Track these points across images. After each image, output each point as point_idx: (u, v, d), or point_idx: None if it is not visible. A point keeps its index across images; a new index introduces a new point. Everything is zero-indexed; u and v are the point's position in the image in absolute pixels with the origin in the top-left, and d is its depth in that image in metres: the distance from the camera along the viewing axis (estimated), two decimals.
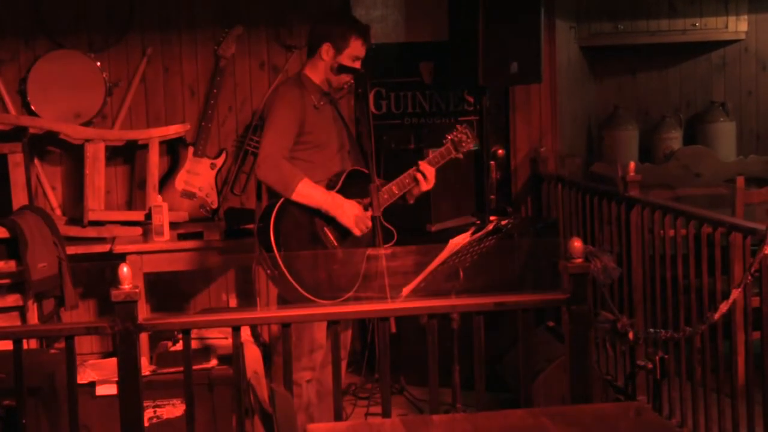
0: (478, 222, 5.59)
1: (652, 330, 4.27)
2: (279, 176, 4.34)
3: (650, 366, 4.67)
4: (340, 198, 4.41)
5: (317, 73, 4.54)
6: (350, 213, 4.41)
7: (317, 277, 4.36)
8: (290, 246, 4.32)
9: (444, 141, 4.65)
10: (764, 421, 4.21)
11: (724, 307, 4.02)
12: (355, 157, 4.67)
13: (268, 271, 4.35)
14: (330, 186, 4.48)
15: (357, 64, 4.53)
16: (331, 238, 4.42)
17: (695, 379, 4.55)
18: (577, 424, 2.93)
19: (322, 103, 4.52)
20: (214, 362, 5.16)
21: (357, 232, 4.43)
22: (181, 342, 3.99)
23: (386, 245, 4.45)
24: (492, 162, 5.92)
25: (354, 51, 4.50)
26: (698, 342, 4.47)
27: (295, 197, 4.33)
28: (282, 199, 4.37)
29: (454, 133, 4.65)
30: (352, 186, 4.50)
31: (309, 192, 4.35)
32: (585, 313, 3.64)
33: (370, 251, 4.38)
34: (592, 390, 3.72)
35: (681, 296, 4.62)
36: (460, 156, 4.70)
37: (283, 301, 4.52)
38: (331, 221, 4.43)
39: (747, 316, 4.22)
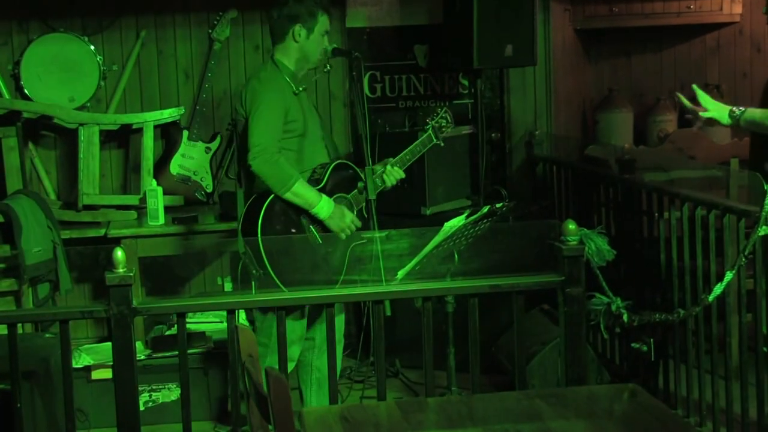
0: (473, 205, 5.60)
1: (646, 312, 4.28)
2: (276, 172, 4.27)
3: (644, 348, 4.69)
4: (330, 203, 4.38)
5: (290, 58, 4.50)
6: (339, 218, 4.39)
7: (302, 277, 4.31)
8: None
9: (425, 128, 4.66)
10: (758, 402, 4.23)
11: (718, 290, 4.04)
12: (329, 145, 4.65)
13: (254, 271, 4.32)
14: (315, 179, 4.44)
15: (326, 39, 4.52)
16: (316, 235, 4.38)
17: (689, 361, 4.56)
18: (572, 406, 2.94)
19: (300, 89, 4.50)
20: (209, 346, 5.17)
21: (342, 236, 4.41)
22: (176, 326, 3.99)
23: (360, 242, 4.43)
24: (487, 144, 5.91)
25: (323, 26, 4.50)
26: (693, 324, 4.49)
27: (288, 196, 4.29)
28: (269, 199, 4.31)
29: (435, 119, 4.65)
30: (338, 179, 4.48)
31: (302, 193, 4.31)
32: (580, 295, 3.65)
33: (363, 236, 4.38)
34: (587, 372, 3.74)
35: (675, 278, 4.63)
36: (441, 143, 4.71)
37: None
38: (314, 221, 4.39)
39: (741, 298, 4.23)
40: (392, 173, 4.55)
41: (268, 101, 4.35)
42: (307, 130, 4.48)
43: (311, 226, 4.37)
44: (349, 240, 4.42)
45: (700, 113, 4.37)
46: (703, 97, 4.44)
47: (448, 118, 4.68)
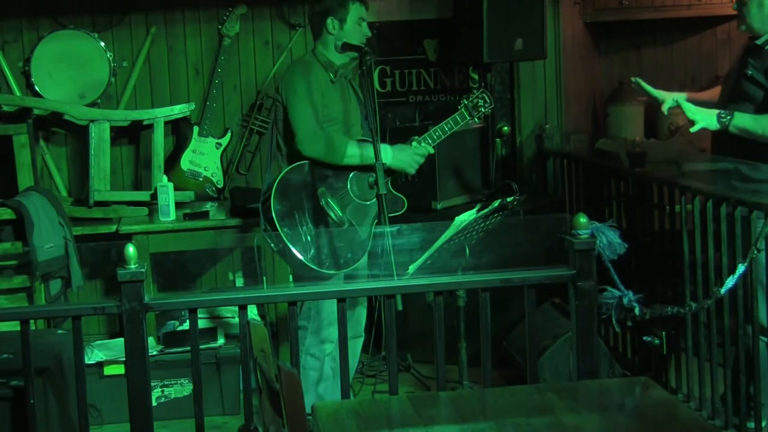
0: (484, 199, 5.60)
1: (658, 305, 4.27)
2: (326, 147, 4.46)
3: (656, 341, 4.68)
4: (386, 147, 4.55)
5: (329, 49, 4.64)
6: (402, 156, 4.56)
7: (323, 249, 4.40)
8: (293, 220, 4.36)
9: (458, 106, 4.69)
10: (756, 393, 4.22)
11: (730, 282, 4.03)
12: (367, 135, 4.71)
13: (272, 245, 4.41)
14: None
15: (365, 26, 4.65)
16: (335, 208, 4.46)
17: (701, 354, 4.55)
18: (584, 400, 2.94)
19: (339, 76, 4.62)
20: (221, 341, 5.18)
21: (412, 171, 4.61)
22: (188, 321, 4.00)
23: (396, 214, 4.55)
24: (497, 139, 5.91)
25: (357, 14, 4.62)
26: (705, 317, 4.48)
27: (347, 161, 4.48)
28: (281, 175, 4.39)
29: (470, 98, 4.68)
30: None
31: (357, 153, 4.49)
32: (591, 289, 3.64)
33: (376, 226, 4.41)
34: (599, 366, 3.73)
35: (687, 271, 4.62)
36: (476, 121, 4.76)
37: (298, 278, 4.57)
38: (333, 195, 4.46)
39: (753, 290, 4.22)
40: (419, 149, 4.58)
41: (301, 88, 4.51)
42: (340, 117, 4.61)
43: (329, 200, 4.43)
44: (372, 220, 4.53)
45: (690, 129, 4.39)
46: (688, 108, 4.43)
47: (486, 98, 4.72)
